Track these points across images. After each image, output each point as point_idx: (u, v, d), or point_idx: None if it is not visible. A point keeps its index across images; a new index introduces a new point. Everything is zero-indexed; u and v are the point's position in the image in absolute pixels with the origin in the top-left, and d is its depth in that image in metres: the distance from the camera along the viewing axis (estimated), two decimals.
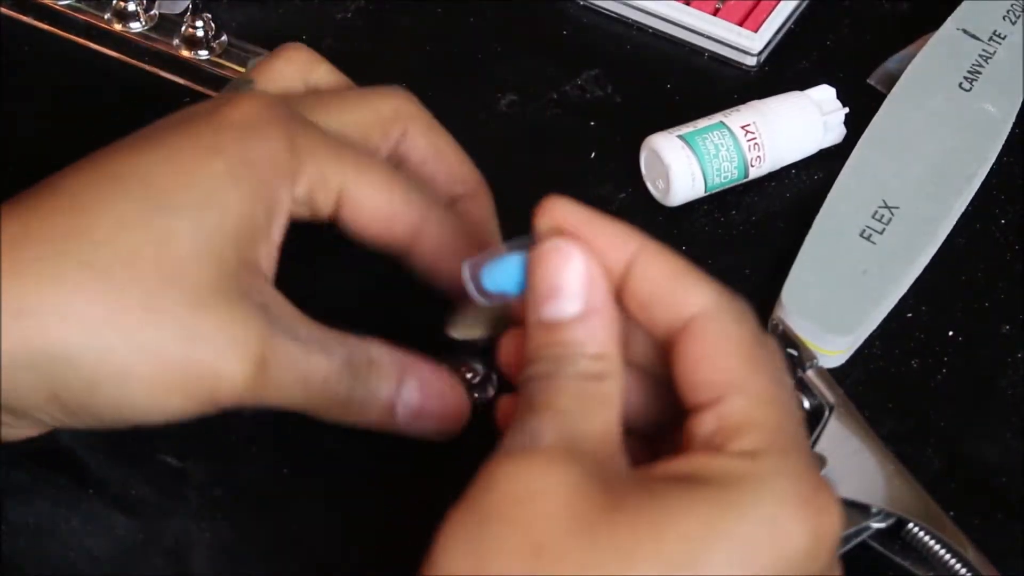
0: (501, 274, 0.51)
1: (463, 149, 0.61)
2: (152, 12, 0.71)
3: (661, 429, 0.52)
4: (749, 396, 0.48)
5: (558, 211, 0.50)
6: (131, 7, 0.71)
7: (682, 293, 0.49)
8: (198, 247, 0.52)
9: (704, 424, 0.48)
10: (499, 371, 0.54)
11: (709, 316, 0.49)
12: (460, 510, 0.47)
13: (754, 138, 0.65)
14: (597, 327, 0.50)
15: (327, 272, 0.62)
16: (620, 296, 0.50)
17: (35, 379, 0.51)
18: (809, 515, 0.46)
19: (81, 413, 0.53)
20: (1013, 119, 0.68)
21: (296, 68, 0.60)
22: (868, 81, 0.71)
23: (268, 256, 0.55)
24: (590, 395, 0.49)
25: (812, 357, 0.58)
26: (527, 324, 0.51)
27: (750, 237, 0.66)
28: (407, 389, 0.56)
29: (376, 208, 0.56)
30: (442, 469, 0.59)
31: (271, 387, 0.53)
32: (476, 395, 0.59)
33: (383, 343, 0.56)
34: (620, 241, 0.50)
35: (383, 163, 0.58)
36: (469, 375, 0.59)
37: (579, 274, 0.50)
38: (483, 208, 0.60)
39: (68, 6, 0.71)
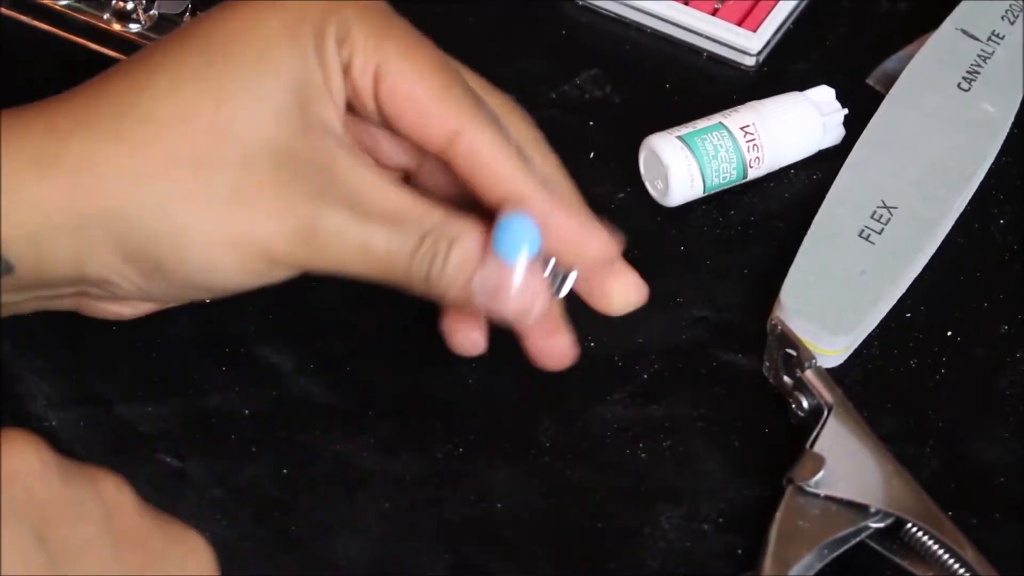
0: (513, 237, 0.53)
1: None
2: (152, 12, 0.71)
3: None
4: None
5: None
6: (130, 7, 0.71)
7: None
8: (254, 104, 0.52)
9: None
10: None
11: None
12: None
13: (753, 139, 0.66)
14: None
15: None
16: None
17: (103, 237, 0.51)
18: None
19: (155, 276, 0.52)
20: (1012, 119, 0.68)
21: None
22: (867, 81, 0.71)
23: (336, 113, 0.53)
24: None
25: (811, 357, 0.58)
26: None
27: (749, 237, 0.66)
28: (486, 273, 0.53)
29: (411, 93, 0.54)
30: (443, 469, 0.59)
31: (323, 256, 0.53)
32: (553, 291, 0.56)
33: (474, 219, 0.54)
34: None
35: (434, 51, 0.55)
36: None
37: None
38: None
39: (68, 6, 0.71)
